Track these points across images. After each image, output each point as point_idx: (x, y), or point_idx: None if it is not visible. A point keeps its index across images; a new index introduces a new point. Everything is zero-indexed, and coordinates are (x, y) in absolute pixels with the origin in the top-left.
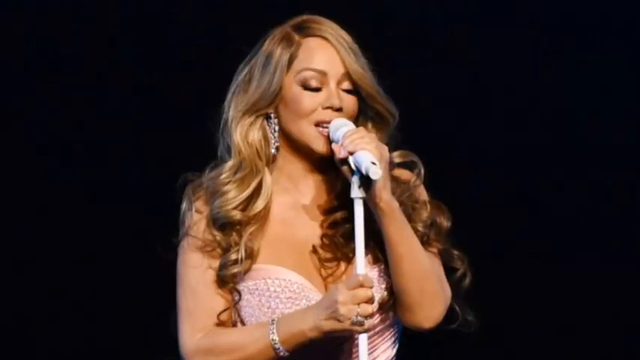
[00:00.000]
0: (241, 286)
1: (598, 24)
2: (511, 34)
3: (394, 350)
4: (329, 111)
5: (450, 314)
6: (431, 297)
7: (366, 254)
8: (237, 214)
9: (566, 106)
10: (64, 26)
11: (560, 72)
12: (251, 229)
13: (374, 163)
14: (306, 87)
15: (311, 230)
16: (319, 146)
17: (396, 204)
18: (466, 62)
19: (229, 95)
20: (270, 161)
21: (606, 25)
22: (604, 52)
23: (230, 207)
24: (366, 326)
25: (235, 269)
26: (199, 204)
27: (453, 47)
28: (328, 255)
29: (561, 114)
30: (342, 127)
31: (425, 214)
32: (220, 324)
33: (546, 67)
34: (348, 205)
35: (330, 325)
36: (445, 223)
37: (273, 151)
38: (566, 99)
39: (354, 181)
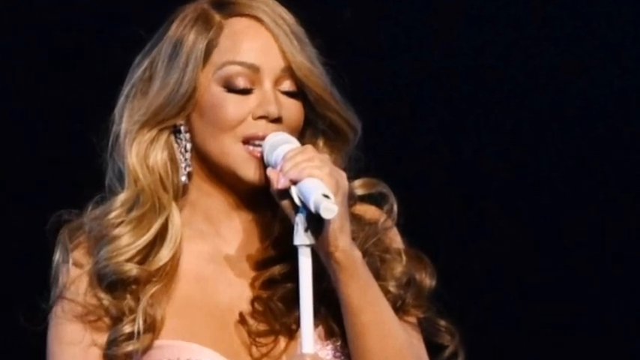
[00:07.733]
0: None
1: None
2: (518, 15)
3: None
4: (263, 122)
5: None
6: None
7: (316, 325)
8: (132, 269)
9: (595, 110)
10: None
11: (586, 65)
12: (152, 289)
13: (326, 197)
14: (230, 88)
15: (238, 291)
16: (249, 172)
17: (358, 254)
18: (457, 52)
19: (121, 100)
20: (180, 194)
21: None
22: None
23: (122, 258)
24: None
25: (130, 347)
26: (79, 254)
27: (440, 32)
28: (262, 327)
29: (589, 121)
30: (281, 145)
31: (399, 268)
32: None
33: (567, 59)
34: (290, 255)
35: None
36: (427, 281)
37: (183, 179)
38: (596, 101)
39: (299, 221)
